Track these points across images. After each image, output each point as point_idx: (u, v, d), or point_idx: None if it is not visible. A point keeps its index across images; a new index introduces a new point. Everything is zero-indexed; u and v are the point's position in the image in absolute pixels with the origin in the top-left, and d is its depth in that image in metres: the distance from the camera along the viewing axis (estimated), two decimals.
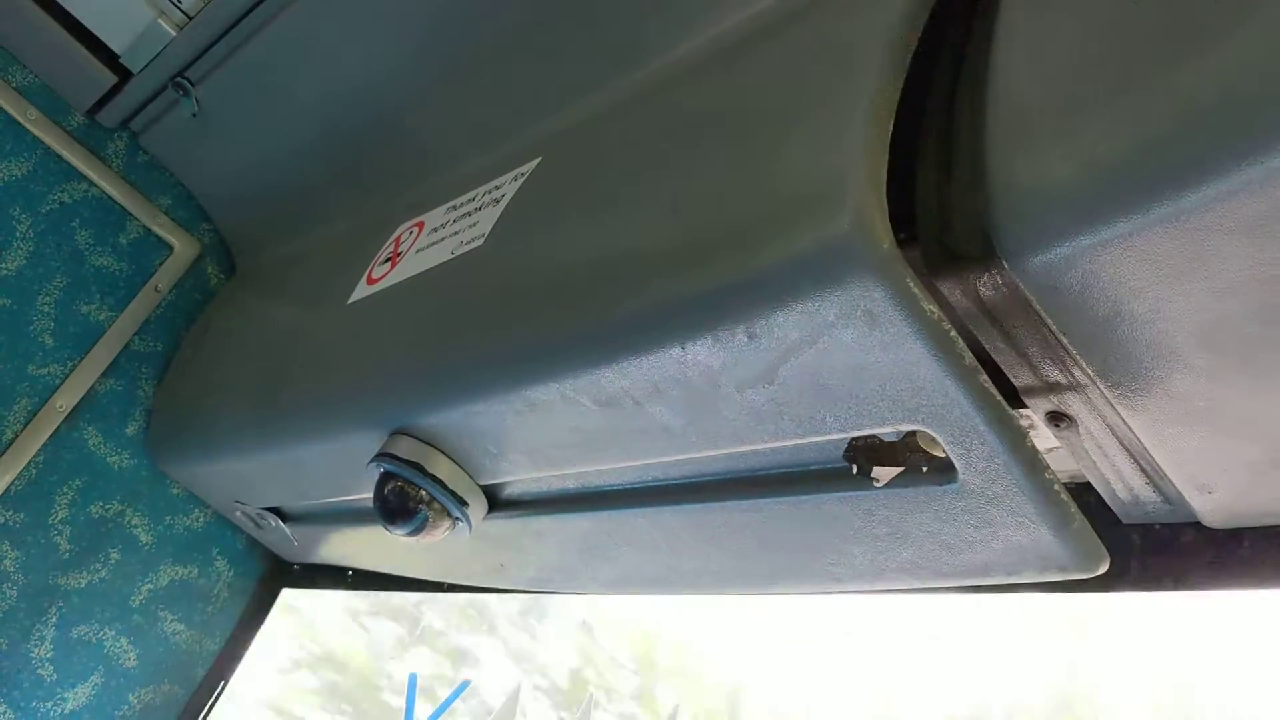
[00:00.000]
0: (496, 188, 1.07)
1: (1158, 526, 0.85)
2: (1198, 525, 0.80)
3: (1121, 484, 0.79)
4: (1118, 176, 0.58)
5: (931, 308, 0.62)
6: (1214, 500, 0.76)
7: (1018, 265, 0.63)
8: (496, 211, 1.02)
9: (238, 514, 1.59)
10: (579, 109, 1.09)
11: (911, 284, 0.61)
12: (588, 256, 0.86)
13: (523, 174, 1.05)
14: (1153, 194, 0.56)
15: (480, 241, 1.00)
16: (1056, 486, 0.67)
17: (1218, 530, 0.81)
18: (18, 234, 1.53)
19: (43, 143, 1.55)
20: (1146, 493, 0.79)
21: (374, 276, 1.16)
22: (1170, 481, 0.76)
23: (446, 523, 1.04)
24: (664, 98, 0.97)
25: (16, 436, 1.51)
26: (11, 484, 1.51)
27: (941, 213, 0.69)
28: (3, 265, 1.52)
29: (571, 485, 1.02)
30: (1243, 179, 0.53)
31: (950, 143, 0.70)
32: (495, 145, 1.18)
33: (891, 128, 0.66)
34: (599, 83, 1.07)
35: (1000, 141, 0.65)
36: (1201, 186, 0.54)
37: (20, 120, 1.53)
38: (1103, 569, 0.70)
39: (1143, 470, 0.76)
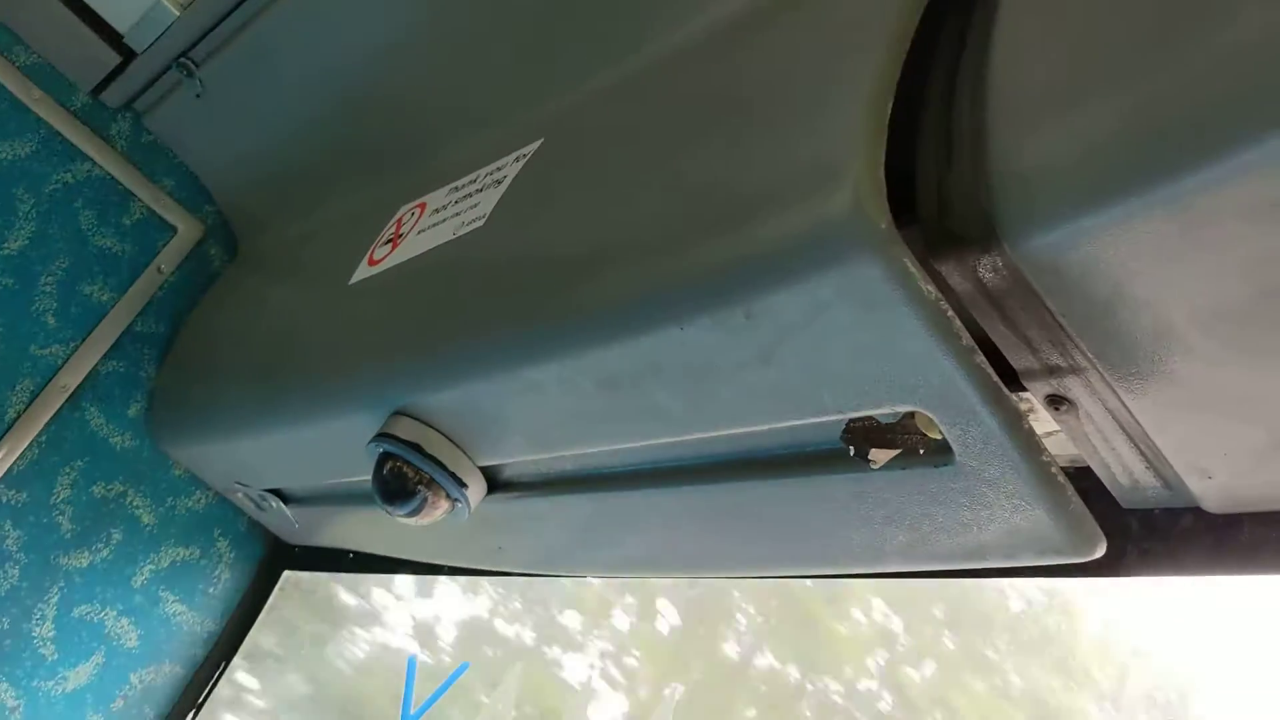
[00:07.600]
0: (499, 169, 1.07)
1: (1157, 511, 0.85)
2: (1197, 510, 0.80)
3: (1121, 468, 0.79)
4: (1118, 158, 0.57)
5: (929, 288, 0.62)
6: (1214, 485, 0.75)
7: (1018, 247, 0.63)
8: (498, 193, 1.02)
9: (239, 495, 1.60)
10: (581, 90, 1.08)
11: (909, 264, 0.61)
12: (587, 237, 0.86)
13: (524, 155, 1.05)
14: (1153, 176, 0.55)
15: (481, 222, 1.00)
16: (1054, 468, 0.66)
17: (1218, 515, 0.80)
18: (20, 214, 1.53)
19: (46, 123, 1.55)
20: (1146, 477, 0.78)
21: (376, 257, 1.16)
22: (1170, 466, 0.75)
23: (445, 504, 1.03)
24: (665, 79, 0.96)
25: (19, 416, 1.52)
26: (14, 464, 1.51)
27: (941, 195, 0.68)
28: (5, 245, 1.52)
29: (570, 467, 1.02)
30: (1243, 161, 0.52)
31: (951, 124, 0.69)
32: (498, 126, 1.17)
33: (890, 108, 0.65)
34: (601, 64, 1.07)
35: (1001, 123, 0.65)
36: (1202, 169, 0.54)
37: (24, 100, 1.53)
38: (1100, 552, 0.70)
39: (1142, 454, 0.76)
